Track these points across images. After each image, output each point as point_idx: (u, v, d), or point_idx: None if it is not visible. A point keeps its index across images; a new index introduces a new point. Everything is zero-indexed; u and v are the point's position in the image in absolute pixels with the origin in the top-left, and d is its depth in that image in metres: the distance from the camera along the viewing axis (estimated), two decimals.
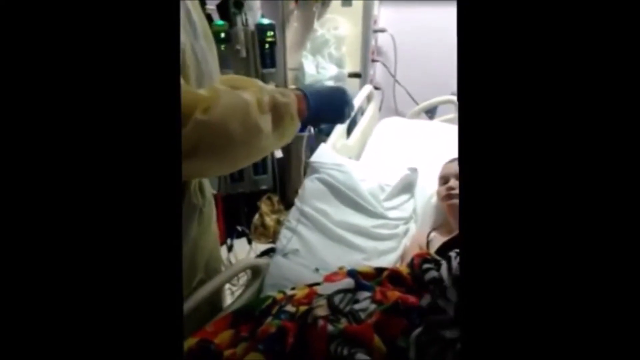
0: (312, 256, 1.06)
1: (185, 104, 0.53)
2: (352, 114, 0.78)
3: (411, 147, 1.56)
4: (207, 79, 0.65)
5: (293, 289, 0.89)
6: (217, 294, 0.94)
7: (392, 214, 1.23)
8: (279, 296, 0.87)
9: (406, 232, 1.20)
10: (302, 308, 0.75)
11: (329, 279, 0.78)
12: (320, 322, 0.65)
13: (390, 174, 1.34)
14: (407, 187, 1.32)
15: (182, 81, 0.58)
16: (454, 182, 1.14)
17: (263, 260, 1.02)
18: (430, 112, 1.97)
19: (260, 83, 0.68)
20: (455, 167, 1.20)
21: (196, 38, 0.61)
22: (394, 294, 0.65)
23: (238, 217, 1.54)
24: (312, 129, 1.79)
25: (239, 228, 1.36)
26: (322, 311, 0.67)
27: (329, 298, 0.70)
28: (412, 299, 0.63)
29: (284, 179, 1.89)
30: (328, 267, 0.97)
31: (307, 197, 1.18)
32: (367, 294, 0.68)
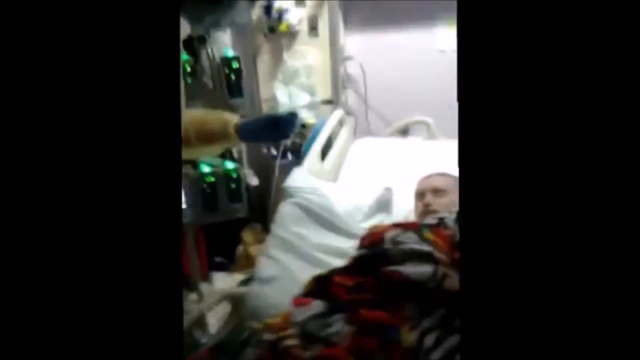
0: (291, 282, 1.05)
1: None
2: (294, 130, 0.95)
3: (386, 166, 1.58)
4: None
5: (273, 317, 0.88)
6: (197, 326, 0.92)
7: None
8: (258, 326, 0.86)
9: None
10: (281, 334, 0.74)
11: (299, 302, 0.77)
12: (295, 351, 0.65)
13: (366, 194, 1.36)
14: (382, 206, 1.33)
15: None
16: (430, 198, 1.16)
17: (240, 290, 1.01)
18: (404, 133, 2.01)
19: (224, 117, 0.83)
20: (431, 182, 1.22)
21: None
22: (365, 313, 0.65)
23: (219, 248, 1.52)
24: (289, 156, 1.80)
25: (217, 259, 1.34)
26: (292, 341, 0.66)
27: (302, 326, 0.69)
28: (380, 314, 0.62)
29: (266, 208, 1.88)
30: None
31: (283, 222, 1.18)
32: (339, 316, 0.68)
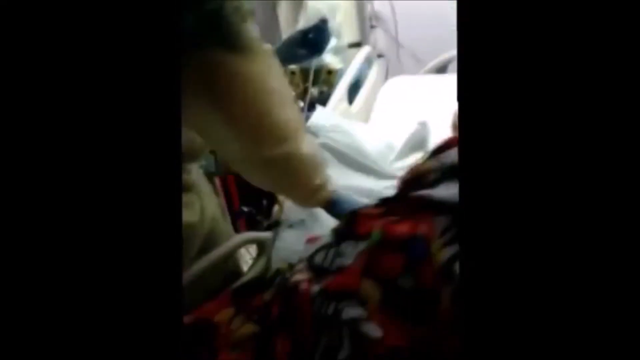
0: (319, 225, 0.98)
1: None
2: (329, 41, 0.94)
3: (421, 103, 1.45)
4: None
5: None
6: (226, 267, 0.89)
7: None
8: (282, 268, 0.81)
9: None
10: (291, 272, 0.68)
11: (311, 239, 0.70)
12: (303, 286, 0.58)
13: (399, 132, 1.25)
14: (418, 143, 1.22)
15: None
16: None
17: (265, 234, 0.96)
18: (441, 71, 1.85)
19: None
20: None
21: None
22: (380, 223, 0.55)
23: (250, 198, 1.46)
24: (317, 107, 1.71)
25: (244, 209, 1.30)
26: (301, 275, 0.59)
27: (309, 259, 0.62)
28: (403, 227, 0.52)
29: None
30: None
31: None
32: (351, 243, 0.58)
